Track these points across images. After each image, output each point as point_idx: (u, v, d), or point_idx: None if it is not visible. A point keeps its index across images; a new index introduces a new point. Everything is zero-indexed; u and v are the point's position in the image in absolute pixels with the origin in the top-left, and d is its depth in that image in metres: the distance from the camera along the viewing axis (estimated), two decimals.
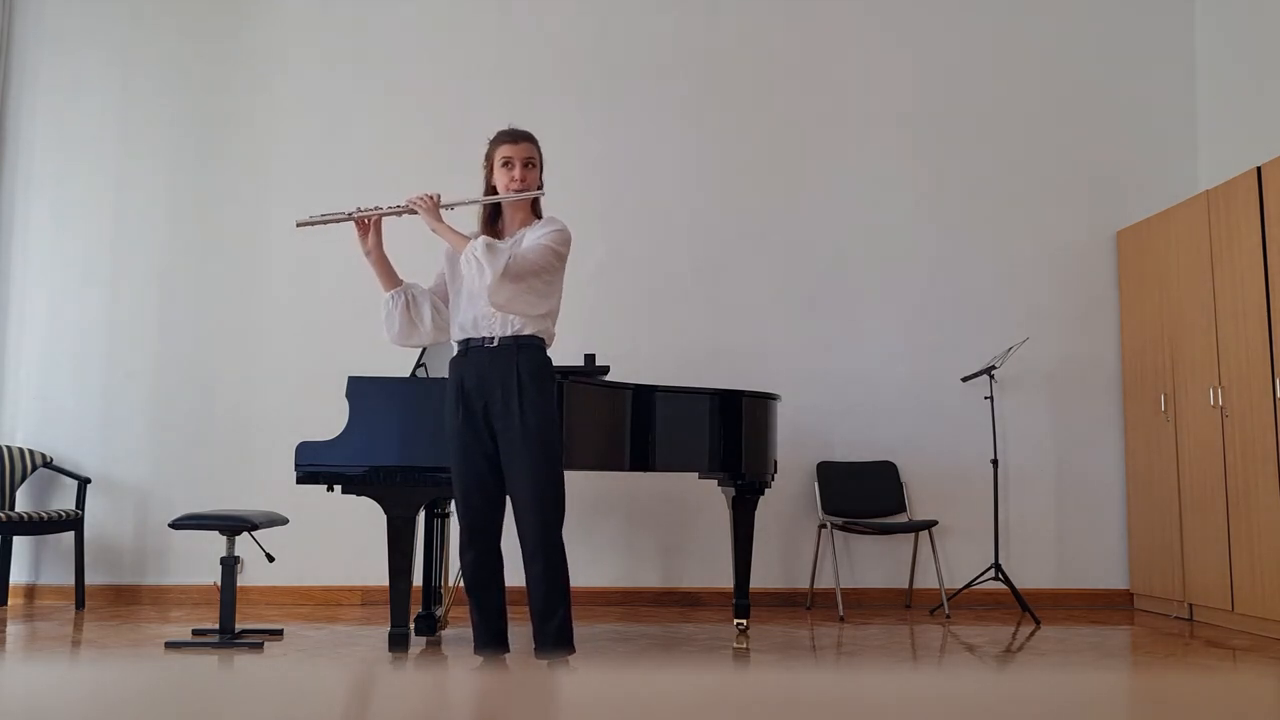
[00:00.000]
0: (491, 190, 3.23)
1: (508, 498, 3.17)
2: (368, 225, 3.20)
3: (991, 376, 5.03)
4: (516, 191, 3.16)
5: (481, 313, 3.12)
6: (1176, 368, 4.92)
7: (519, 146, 3.20)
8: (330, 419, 3.86)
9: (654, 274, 5.41)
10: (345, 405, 3.63)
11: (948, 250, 5.47)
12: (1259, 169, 4.40)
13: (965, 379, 5.13)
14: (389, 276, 3.23)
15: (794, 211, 5.48)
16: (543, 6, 5.56)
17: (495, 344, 3.11)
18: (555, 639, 3.08)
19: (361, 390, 3.64)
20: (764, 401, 4.30)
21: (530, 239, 3.13)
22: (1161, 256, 5.07)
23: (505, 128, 3.26)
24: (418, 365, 3.97)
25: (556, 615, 3.08)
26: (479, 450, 3.12)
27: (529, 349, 3.12)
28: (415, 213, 3.16)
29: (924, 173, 5.52)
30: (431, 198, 3.14)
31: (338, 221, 3.19)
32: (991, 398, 5.07)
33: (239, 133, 5.48)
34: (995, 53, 5.60)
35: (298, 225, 3.22)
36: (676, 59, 5.55)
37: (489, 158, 3.24)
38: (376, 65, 5.52)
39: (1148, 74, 5.59)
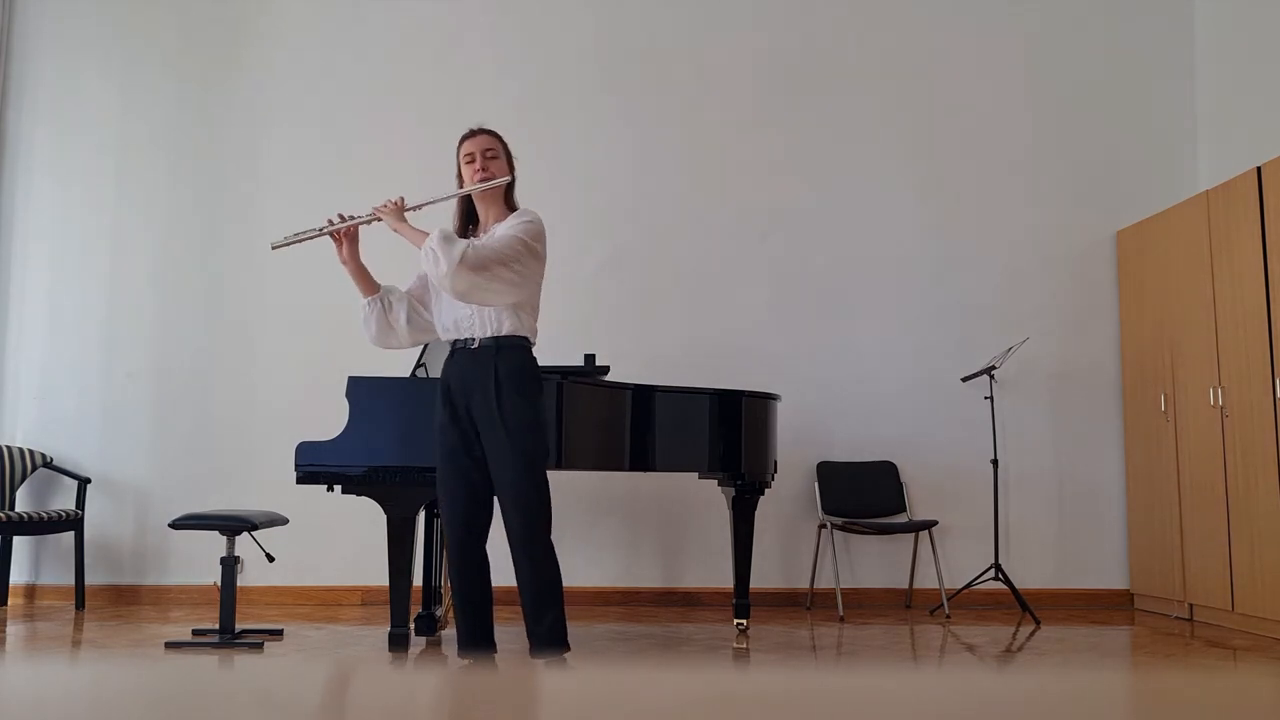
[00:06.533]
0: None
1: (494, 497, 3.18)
2: (341, 237, 3.24)
3: (991, 377, 5.03)
4: (480, 182, 3.17)
5: (461, 315, 3.15)
6: (1176, 368, 4.92)
7: (476, 139, 3.23)
8: (330, 419, 3.86)
9: (654, 274, 5.41)
10: (345, 405, 3.63)
11: (948, 250, 5.47)
12: (1259, 169, 4.40)
13: (965, 379, 5.13)
14: (367, 283, 3.29)
15: (794, 211, 5.48)
16: (543, 6, 5.56)
17: (476, 345, 3.13)
18: (547, 639, 3.08)
19: (361, 390, 3.64)
20: (764, 401, 4.30)
21: (500, 231, 3.14)
22: (1161, 256, 5.07)
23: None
24: (418, 365, 3.97)
25: (547, 616, 3.08)
26: (463, 450, 3.13)
27: (509, 350, 3.12)
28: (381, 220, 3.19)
29: (924, 172, 5.52)
30: (396, 202, 3.20)
31: (311, 238, 3.25)
32: (991, 398, 5.07)
33: (239, 132, 5.48)
34: (995, 52, 5.60)
35: (273, 247, 3.31)
36: (677, 59, 5.55)
37: (457, 162, 3.28)
38: (375, 65, 5.52)
39: (1148, 74, 5.59)
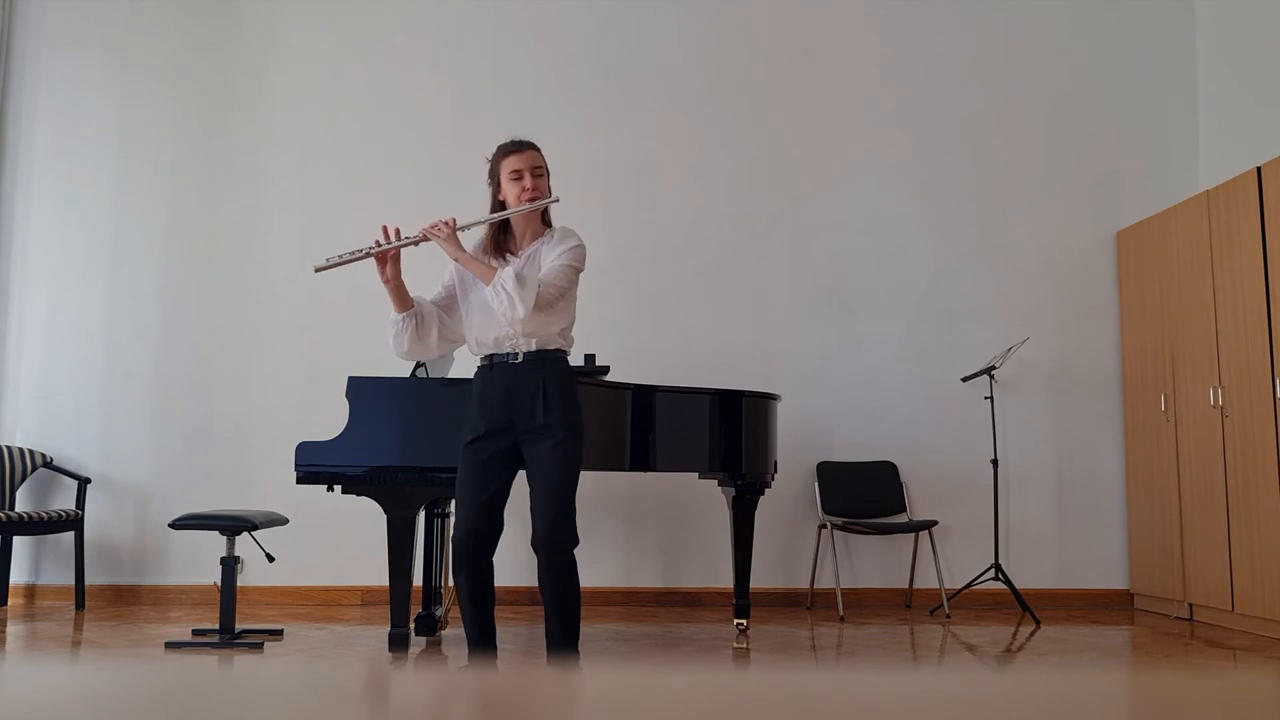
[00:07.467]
0: (500, 204, 3.18)
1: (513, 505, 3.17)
2: (386, 258, 3.10)
3: (991, 377, 5.03)
4: (529, 201, 3.12)
5: (503, 333, 3.08)
6: (1176, 368, 4.92)
7: (525, 155, 3.14)
8: (330, 419, 3.86)
9: (655, 274, 5.41)
10: (345, 405, 3.63)
11: (948, 250, 5.47)
12: (1259, 169, 4.40)
13: (965, 379, 5.13)
14: (403, 300, 3.15)
15: (795, 211, 5.48)
16: (543, 7, 5.56)
17: (520, 360, 3.08)
18: (560, 642, 3.09)
19: (361, 390, 3.64)
20: (764, 401, 4.30)
21: (548, 258, 3.10)
22: (1161, 256, 5.07)
23: (506, 140, 3.20)
24: (418, 365, 3.96)
25: (564, 620, 3.09)
26: (490, 461, 3.09)
27: (554, 361, 3.10)
28: (431, 241, 3.11)
29: (924, 173, 5.52)
30: (448, 224, 3.08)
31: (356, 260, 3.09)
32: (991, 398, 5.07)
33: (239, 133, 5.48)
34: (996, 53, 5.60)
35: (316, 270, 3.12)
36: (677, 59, 5.55)
37: (494, 173, 3.17)
38: (377, 66, 5.52)
39: (1148, 74, 5.59)
